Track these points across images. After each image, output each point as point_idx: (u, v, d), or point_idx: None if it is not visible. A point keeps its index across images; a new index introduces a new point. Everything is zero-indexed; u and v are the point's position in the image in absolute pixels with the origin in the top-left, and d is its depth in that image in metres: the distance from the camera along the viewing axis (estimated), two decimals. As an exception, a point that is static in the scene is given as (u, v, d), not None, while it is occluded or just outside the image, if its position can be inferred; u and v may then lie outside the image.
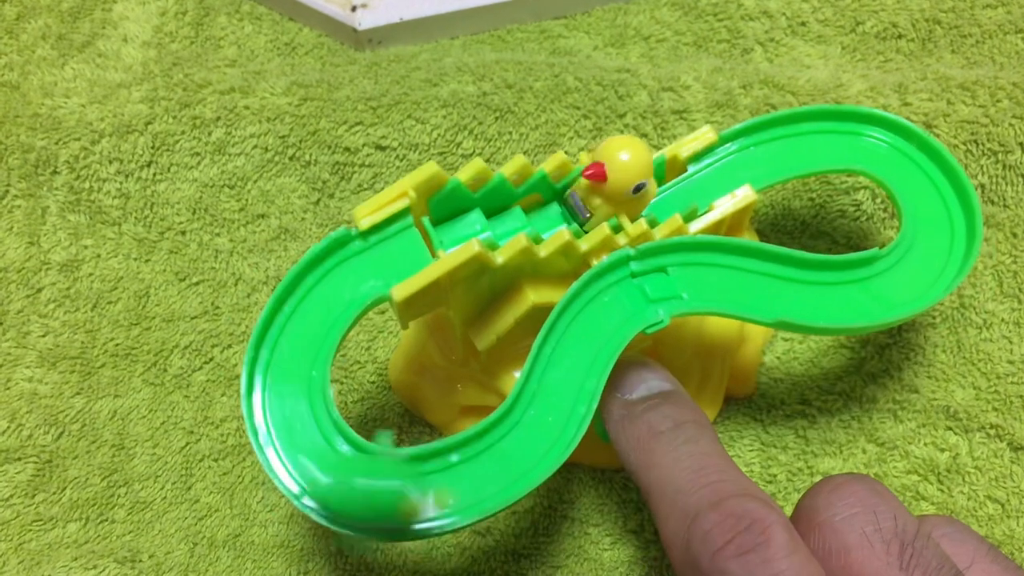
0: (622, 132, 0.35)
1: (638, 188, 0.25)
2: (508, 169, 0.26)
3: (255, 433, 0.23)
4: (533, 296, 0.25)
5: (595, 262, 0.25)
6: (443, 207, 0.25)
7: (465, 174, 0.25)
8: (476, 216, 0.26)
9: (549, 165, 0.26)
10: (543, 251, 0.25)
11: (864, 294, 0.27)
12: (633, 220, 0.26)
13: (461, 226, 0.26)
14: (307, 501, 0.23)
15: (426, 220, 0.25)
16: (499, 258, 0.24)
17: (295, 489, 0.23)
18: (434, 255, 0.25)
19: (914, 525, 0.21)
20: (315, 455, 0.23)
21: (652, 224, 0.27)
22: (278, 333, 0.24)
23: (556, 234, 0.25)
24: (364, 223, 0.24)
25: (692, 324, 0.29)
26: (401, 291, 0.23)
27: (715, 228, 0.28)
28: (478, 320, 0.26)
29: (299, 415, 0.24)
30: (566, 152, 0.35)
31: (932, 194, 0.29)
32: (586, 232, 0.26)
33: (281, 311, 0.24)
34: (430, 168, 0.24)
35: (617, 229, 0.26)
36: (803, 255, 0.26)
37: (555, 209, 0.27)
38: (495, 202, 0.26)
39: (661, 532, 0.23)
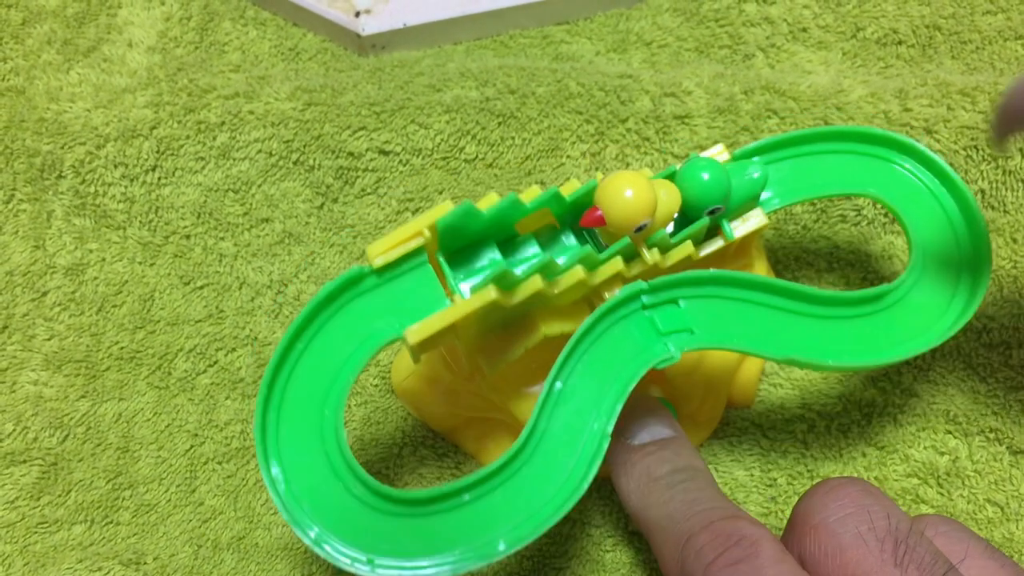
0: (624, 137, 0.35)
1: (640, 228, 0.25)
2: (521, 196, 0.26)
3: (273, 484, 0.23)
4: (545, 329, 0.25)
5: (607, 295, 0.26)
6: (454, 233, 0.25)
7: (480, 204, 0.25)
8: (491, 250, 0.25)
9: (564, 189, 0.26)
10: (557, 289, 0.25)
11: (875, 330, 0.26)
12: (649, 243, 0.26)
13: (476, 260, 0.25)
14: (324, 546, 0.22)
15: (440, 256, 0.25)
16: (514, 300, 0.24)
17: (311, 533, 0.23)
18: (449, 295, 0.24)
19: (907, 523, 0.22)
20: (326, 495, 0.23)
21: (665, 243, 0.27)
22: (290, 371, 0.24)
23: (570, 272, 0.25)
24: (378, 262, 0.24)
25: (695, 352, 0.29)
26: (416, 335, 0.23)
27: (723, 251, 0.28)
28: (487, 347, 0.26)
29: (311, 455, 0.23)
30: (568, 157, 0.35)
31: (943, 224, 0.28)
32: (603, 253, 0.26)
33: (294, 348, 0.24)
34: (446, 207, 0.24)
35: (630, 255, 0.26)
36: (813, 291, 0.26)
37: (569, 238, 0.27)
38: (505, 219, 0.26)
39: (660, 562, 0.24)
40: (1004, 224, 0.33)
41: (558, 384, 0.24)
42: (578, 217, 0.27)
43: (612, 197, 0.24)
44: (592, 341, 0.25)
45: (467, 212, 0.23)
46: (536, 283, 0.24)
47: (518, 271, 0.24)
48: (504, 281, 0.23)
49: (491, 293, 0.23)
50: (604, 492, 0.31)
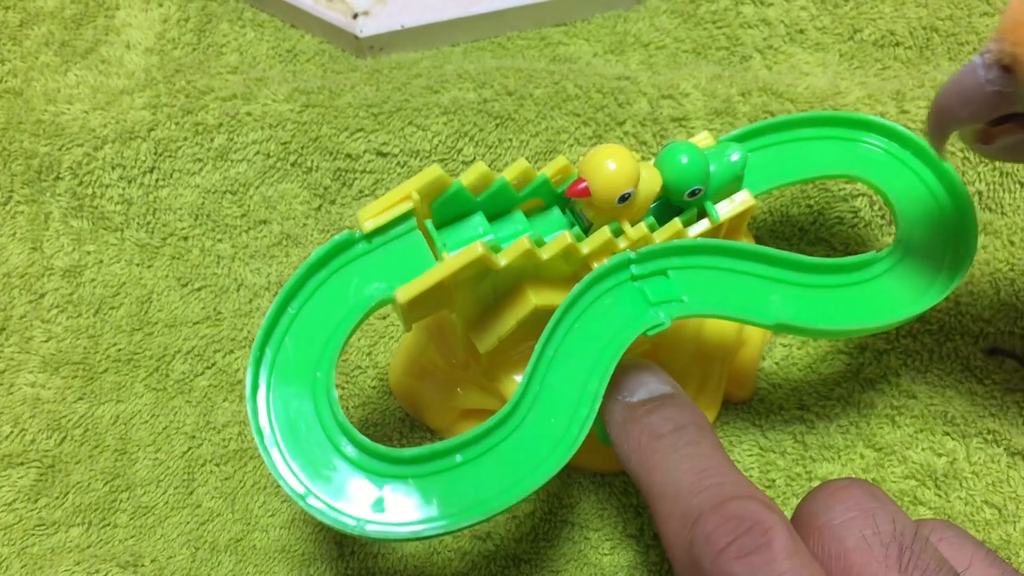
0: (622, 139, 0.35)
1: (623, 198, 0.25)
2: (510, 173, 0.26)
3: (260, 434, 0.23)
4: (535, 298, 0.25)
5: (596, 265, 0.26)
6: (446, 210, 0.26)
7: (468, 178, 0.25)
8: (478, 219, 0.26)
9: (550, 169, 0.27)
10: (545, 254, 0.25)
11: (861, 297, 0.27)
12: (634, 223, 0.27)
13: (464, 229, 0.26)
14: (312, 501, 0.23)
15: (429, 223, 0.26)
16: (502, 260, 0.24)
17: (300, 489, 0.23)
18: (437, 257, 0.25)
19: (912, 528, 0.22)
20: (318, 456, 0.23)
21: (652, 228, 0.27)
22: (283, 334, 0.25)
23: (558, 237, 0.25)
24: (368, 225, 0.25)
25: (691, 327, 0.29)
26: (405, 293, 0.23)
27: (713, 233, 0.29)
28: (480, 322, 0.27)
29: (303, 416, 0.24)
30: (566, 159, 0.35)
31: (927, 199, 0.29)
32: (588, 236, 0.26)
33: (286, 312, 0.25)
34: (434, 171, 0.25)
35: (618, 232, 0.26)
36: (801, 258, 0.26)
37: (556, 213, 0.28)
38: (497, 206, 0.26)
39: (662, 533, 0.23)
40: (1001, 226, 0.33)
41: (548, 350, 0.24)
42: (566, 198, 0.27)
43: (596, 168, 0.25)
44: (582, 309, 0.25)
45: (457, 192, 0.24)
46: (523, 243, 0.24)
47: (506, 245, 0.25)
48: (491, 241, 0.24)
49: (478, 248, 0.23)
50: (602, 495, 0.31)
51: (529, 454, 0.24)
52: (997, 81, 0.21)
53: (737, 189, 0.28)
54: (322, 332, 0.25)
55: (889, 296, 0.27)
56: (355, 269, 0.25)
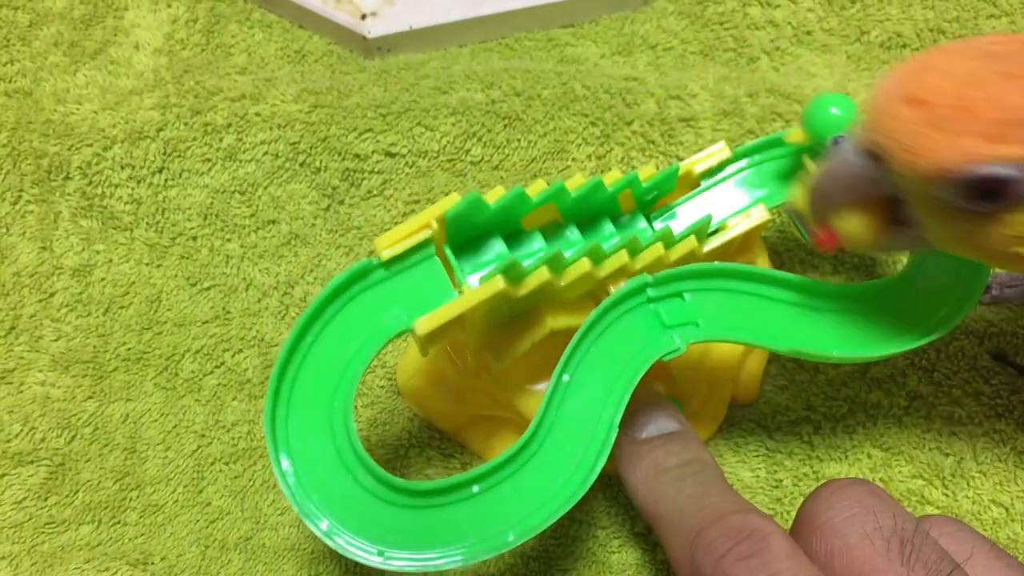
0: (629, 139, 0.35)
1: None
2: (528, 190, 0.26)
3: (283, 476, 0.23)
4: (552, 322, 0.26)
5: (613, 288, 0.26)
6: (462, 229, 0.25)
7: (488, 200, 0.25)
8: (497, 244, 0.26)
9: (569, 183, 0.26)
10: (563, 281, 0.25)
11: (875, 323, 0.27)
12: (654, 238, 0.26)
13: (483, 254, 0.26)
14: (335, 538, 0.23)
15: (448, 249, 0.25)
16: (522, 291, 0.24)
17: (322, 526, 0.23)
18: (456, 286, 0.25)
19: (912, 523, 0.22)
20: (337, 488, 0.23)
21: (667, 245, 0.27)
22: (299, 363, 0.24)
23: (576, 264, 0.25)
24: (386, 254, 0.25)
25: (701, 345, 0.29)
26: (424, 326, 0.23)
27: (727, 246, 0.29)
28: (494, 341, 0.26)
29: (322, 447, 0.24)
30: (574, 159, 0.35)
31: None
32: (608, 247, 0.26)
33: (303, 341, 0.24)
34: (452, 199, 0.24)
35: (634, 251, 0.26)
36: (817, 283, 0.26)
37: (572, 231, 0.27)
38: (512, 214, 0.26)
39: (669, 555, 0.24)
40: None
41: (565, 376, 0.24)
42: (581, 211, 0.27)
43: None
44: (599, 334, 0.25)
45: (473, 202, 0.24)
46: (543, 274, 0.24)
47: (525, 264, 0.24)
48: (512, 272, 0.24)
49: (499, 283, 0.23)
50: (610, 493, 0.31)
51: (547, 484, 0.24)
52: (867, 168, 0.22)
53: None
54: (339, 361, 0.24)
55: (905, 321, 0.27)
56: (373, 297, 0.25)
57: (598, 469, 0.24)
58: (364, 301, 0.25)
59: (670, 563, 0.24)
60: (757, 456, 0.31)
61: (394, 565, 0.22)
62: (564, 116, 0.36)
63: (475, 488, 0.23)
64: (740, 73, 0.37)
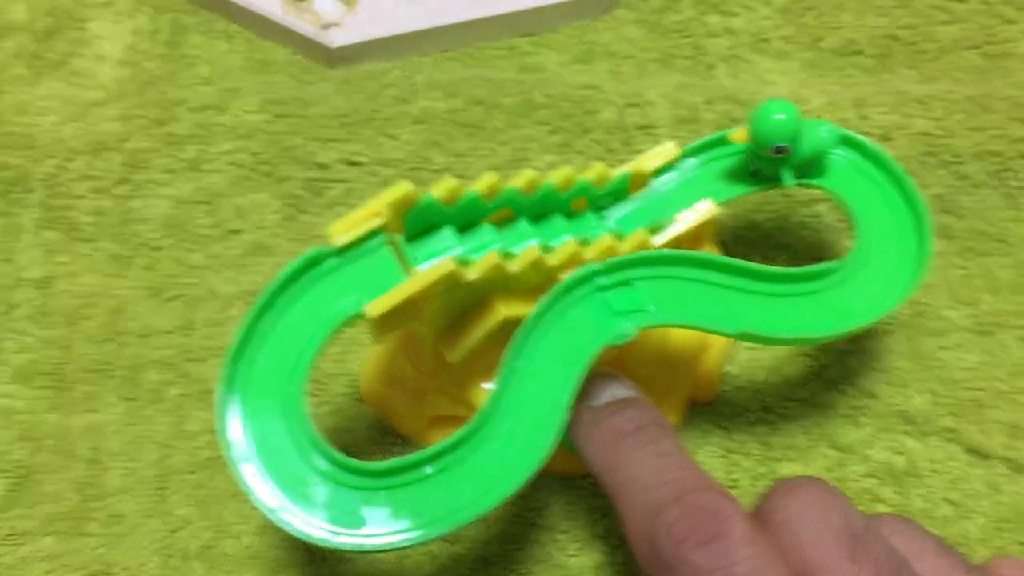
0: (590, 148, 0.36)
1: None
2: (479, 185, 0.27)
3: (228, 448, 0.24)
4: (504, 310, 0.26)
5: (563, 277, 0.26)
6: (418, 222, 0.26)
7: (438, 191, 0.26)
8: (448, 232, 0.27)
9: (519, 180, 0.27)
10: (514, 267, 0.25)
11: (822, 305, 0.27)
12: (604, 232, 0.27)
13: (434, 242, 0.26)
14: (283, 515, 0.23)
15: (399, 237, 0.26)
16: (472, 274, 0.24)
17: (271, 504, 0.23)
18: (408, 272, 0.25)
19: (863, 520, 0.22)
20: (290, 470, 0.24)
21: (618, 237, 0.27)
22: (254, 349, 0.25)
23: (527, 250, 0.26)
24: (338, 241, 0.25)
25: (656, 335, 0.29)
26: (375, 308, 0.24)
27: (677, 242, 0.29)
28: (449, 333, 0.27)
29: (275, 430, 0.24)
30: (534, 167, 0.36)
31: (886, 207, 0.30)
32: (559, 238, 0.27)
33: (257, 328, 0.25)
34: (403, 188, 0.25)
35: (584, 243, 0.27)
36: (764, 268, 0.27)
37: (524, 224, 0.28)
38: (469, 216, 0.27)
39: (626, 528, 0.24)
40: (959, 229, 0.34)
41: (517, 361, 0.25)
42: (535, 209, 0.28)
43: None
44: (550, 320, 0.25)
45: (430, 205, 0.25)
46: (492, 258, 0.24)
47: (475, 258, 0.25)
48: (461, 258, 0.24)
49: (449, 264, 0.24)
50: (571, 497, 0.31)
51: (500, 464, 0.24)
52: None
53: (820, 169, 0.30)
54: (293, 347, 0.25)
55: (849, 303, 0.28)
56: (325, 284, 0.25)
57: (550, 450, 0.24)
58: (317, 288, 0.25)
59: (626, 536, 0.24)
60: (715, 456, 0.31)
61: (345, 544, 0.23)
62: (525, 124, 0.36)
63: (428, 468, 0.24)
64: (698, 80, 0.38)
